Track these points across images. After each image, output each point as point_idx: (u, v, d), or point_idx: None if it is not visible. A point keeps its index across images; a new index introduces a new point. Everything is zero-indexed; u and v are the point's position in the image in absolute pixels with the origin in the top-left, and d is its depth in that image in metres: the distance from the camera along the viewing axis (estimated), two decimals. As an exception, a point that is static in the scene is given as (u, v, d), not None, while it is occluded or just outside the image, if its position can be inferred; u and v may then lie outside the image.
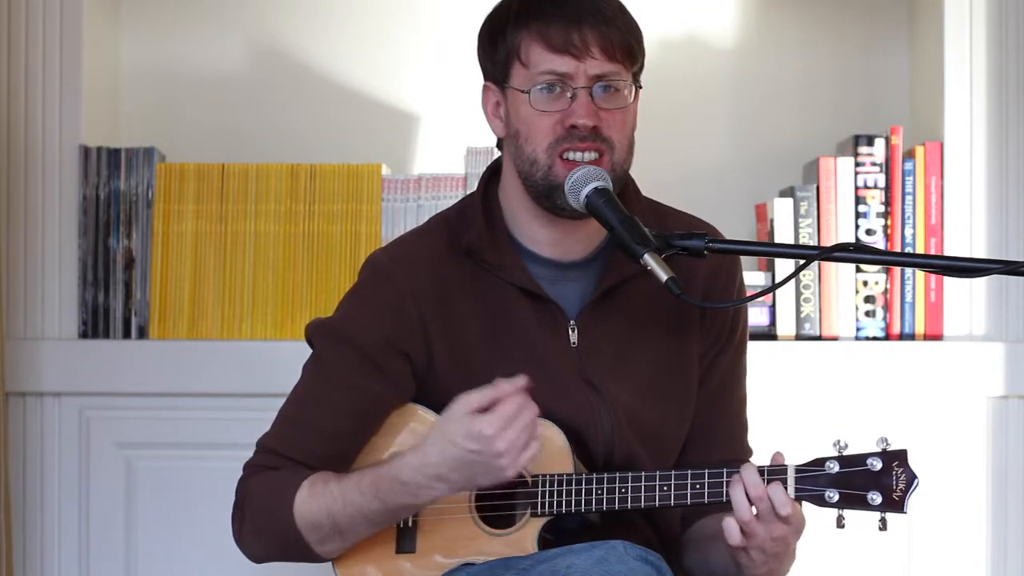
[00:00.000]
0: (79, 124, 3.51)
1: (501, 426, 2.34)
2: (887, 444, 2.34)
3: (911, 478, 2.33)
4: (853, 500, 2.33)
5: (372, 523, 2.46)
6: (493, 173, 2.62)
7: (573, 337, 2.54)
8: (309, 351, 2.59)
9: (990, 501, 3.47)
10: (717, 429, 2.62)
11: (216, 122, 3.76)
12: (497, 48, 2.51)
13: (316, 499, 2.46)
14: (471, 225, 2.55)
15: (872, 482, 2.33)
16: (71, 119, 3.51)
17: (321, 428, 2.52)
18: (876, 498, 2.32)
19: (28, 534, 3.48)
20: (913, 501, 2.34)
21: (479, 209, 2.56)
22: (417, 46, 3.77)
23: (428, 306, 2.52)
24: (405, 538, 2.52)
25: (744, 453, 2.64)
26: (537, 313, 2.53)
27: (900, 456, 2.33)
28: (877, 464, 2.33)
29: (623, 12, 2.50)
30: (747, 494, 2.36)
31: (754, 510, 2.37)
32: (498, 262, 2.53)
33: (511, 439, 2.34)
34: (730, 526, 2.37)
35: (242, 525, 2.54)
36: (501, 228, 2.56)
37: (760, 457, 2.56)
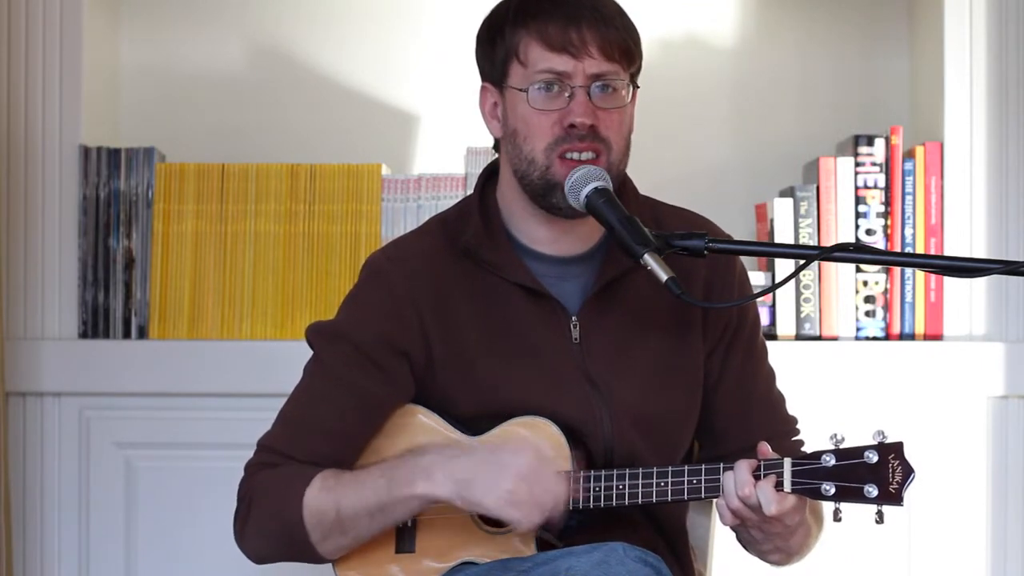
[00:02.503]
0: (79, 124, 3.52)
1: (545, 471, 2.36)
2: (883, 437, 2.34)
3: (908, 470, 2.32)
4: (850, 493, 2.33)
5: (370, 513, 2.44)
6: (490, 175, 2.62)
7: (575, 333, 2.54)
8: (309, 351, 2.59)
9: (990, 501, 3.47)
10: (753, 412, 2.61)
11: (216, 122, 3.77)
12: (495, 48, 2.51)
13: (327, 491, 2.46)
14: (469, 225, 2.55)
15: (869, 475, 2.32)
16: (71, 119, 3.51)
17: (322, 427, 2.52)
18: (872, 491, 2.32)
19: (28, 534, 3.49)
20: (910, 493, 2.34)
21: (476, 209, 2.57)
22: (417, 46, 3.78)
23: (426, 306, 2.52)
24: (405, 538, 2.52)
25: (787, 424, 2.63)
26: (538, 310, 2.53)
27: (897, 449, 2.33)
28: (873, 457, 2.33)
29: (621, 13, 2.50)
30: (735, 491, 2.36)
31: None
32: (497, 260, 2.53)
33: (536, 483, 2.35)
34: (720, 506, 2.38)
35: (245, 523, 2.53)
36: (499, 227, 2.56)
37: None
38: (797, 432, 2.64)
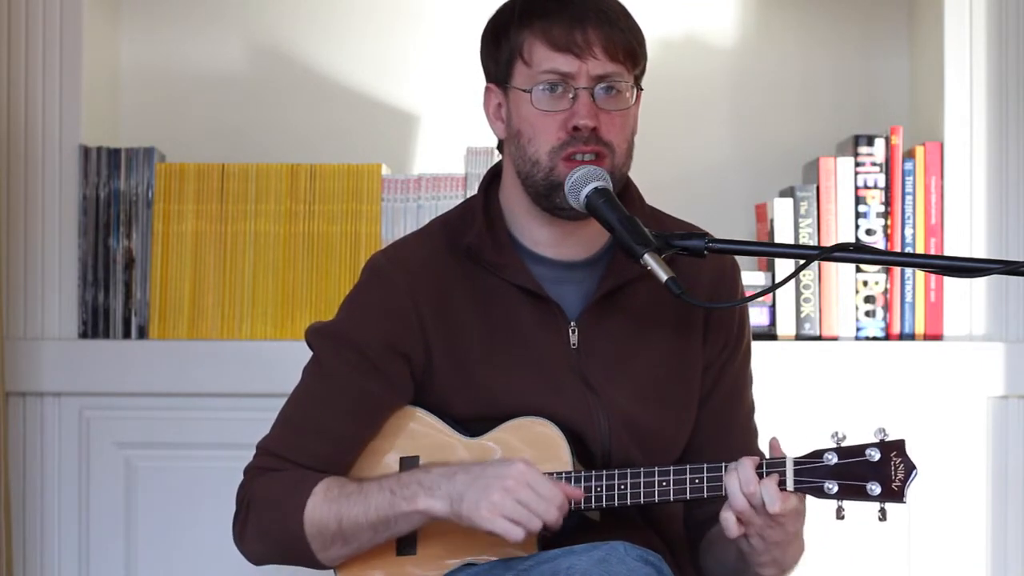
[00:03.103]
0: (79, 124, 3.51)
1: (528, 479, 2.35)
2: (885, 435, 2.34)
3: (910, 468, 2.32)
4: (852, 491, 2.33)
5: (373, 526, 2.44)
6: (494, 176, 2.61)
7: (573, 338, 2.53)
8: (309, 351, 2.59)
9: (990, 501, 3.47)
10: (728, 438, 2.61)
11: (216, 122, 3.76)
12: (500, 48, 2.51)
13: (330, 501, 2.46)
14: (472, 226, 2.55)
15: (871, 472, 2.33)
16: (71, 119, 3.51)
17: (321, 430, 2.52)
18: (875, 488, 2.32)
19: (28, 534, 3.48)
20: (912, 491, 2.34)
21: (480, 210, 2.56)
22: (417, 46, 3.78)
23: (427, 307, 2.52)
24: (405, 540, 2.52)
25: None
26: (538, 313, 2.53)
27: (898, 446, 2.33)
28: (875, 455, 2.33)
29: (626, 14, 2.50)
30: (740, 490, 2.36)
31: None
32: (499, 262, 2.53)
33: (520, 492, 2.35)
34: (727, 519, 2.37)
35: (245, 527, 2.53)
36: (502, 229, 2.55)
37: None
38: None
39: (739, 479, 2.36)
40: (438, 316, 2.52)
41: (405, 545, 2.51)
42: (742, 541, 2.41)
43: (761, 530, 2.38)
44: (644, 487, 2.41)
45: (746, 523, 2.38)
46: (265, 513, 2.50)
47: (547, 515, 2.36)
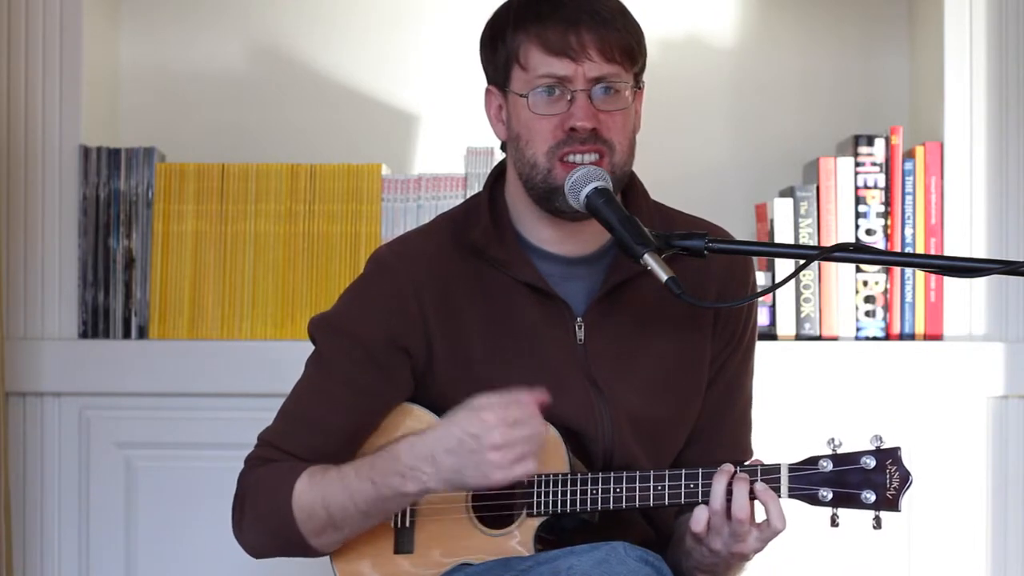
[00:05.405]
0: (79, 124, 3.51)
1: (505, 421, 2.34)
2: (881, 442, 2.34)
3: (905, 476, 2.33)
4: (847, 499, 2.33)
5: (363, 512, 2.45)
6: (499, 174, 2.62)
7: (580, 335, 2.53)
8: (309, 350, 2.59)
9: (990, 501, 3.47)
10: (721, 429, 2.62)
11: (216, 122, 3.77)
12: (497, 52, 2.51)
13: (314, 488, 2.46)
14: (477, 222, 2.55)
15: (866, 481, 2.33)
16: (71, 119, 3.51)
17: (321, 424, 2.52)
18: (870, 497, 2.32)
19: (28, 534, 3.49)
20: (907, 499, 2.34)
21: (486, 207, 2.57)
22: (417, 46, 3.78)
23: (430, 302, 2.52)
24: (403, 538, 2.52)
25: (745, 456, 2.63)
26: (543, 310, 2.53)
27: (894, 454, 2.33)
28: (871, 462, 2.33)
29: (623, 13, 2.49)
30: (721, 498, 2.37)
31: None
32: (505, 258, 2.53)
33: (510, 437, 2.34)
34: (699, 510, 2.38)
35: (242, 517, 2.54)
36: (507, 226, 2.56)
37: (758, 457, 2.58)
38: None
39: (730, 487, 2.37)
40: (441, 311, 2.52)
41: (403, 543, 2.51)
42: (694, 548, 2.43)
43: (723, 545, 2.39)
44: (640, 491, 2.42)
45: (714, 528, 2.39)
46: (258, 502, 2.51)
47: (536, 429, 2.36)
